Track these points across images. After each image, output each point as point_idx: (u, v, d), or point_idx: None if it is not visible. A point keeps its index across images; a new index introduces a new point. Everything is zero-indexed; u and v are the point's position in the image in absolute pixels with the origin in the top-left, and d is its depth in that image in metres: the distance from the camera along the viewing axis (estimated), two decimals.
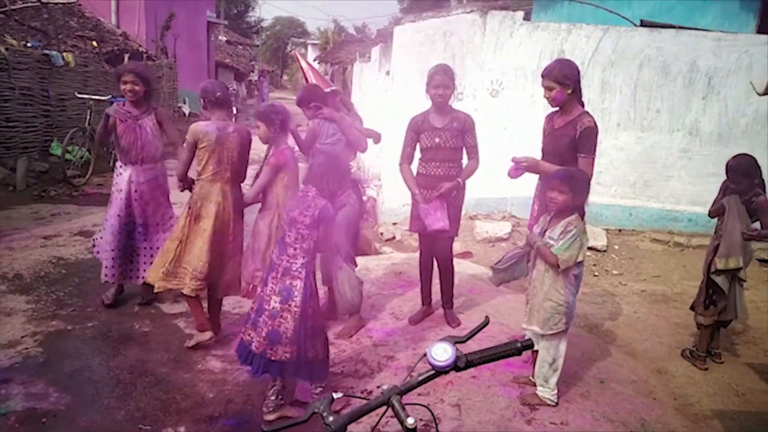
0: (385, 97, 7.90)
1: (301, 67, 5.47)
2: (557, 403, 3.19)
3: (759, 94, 4.24)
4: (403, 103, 6.28)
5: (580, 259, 2.99)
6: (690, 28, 6.87)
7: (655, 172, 6.86)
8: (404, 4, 39.75)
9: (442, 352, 1.25)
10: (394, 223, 6.83)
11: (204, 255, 3.58)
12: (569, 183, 2.97)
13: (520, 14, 6.70)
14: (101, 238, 4.33)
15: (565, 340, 3.16)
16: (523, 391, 3.35)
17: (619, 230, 6.86)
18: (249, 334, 2.96)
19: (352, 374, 3.57)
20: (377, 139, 4.34)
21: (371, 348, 3.89)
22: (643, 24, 6.98)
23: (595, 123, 3.41)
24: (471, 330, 1.36)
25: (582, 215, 3.11)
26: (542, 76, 3.47)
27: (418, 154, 4.05)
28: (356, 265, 4.19)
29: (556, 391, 3.20)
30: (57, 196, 7.82)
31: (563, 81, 3.42)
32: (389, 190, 6.92)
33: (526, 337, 1.40)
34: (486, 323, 1.39)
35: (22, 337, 3.80)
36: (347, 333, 4.07)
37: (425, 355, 1.27)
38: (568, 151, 3.41)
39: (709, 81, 6.57)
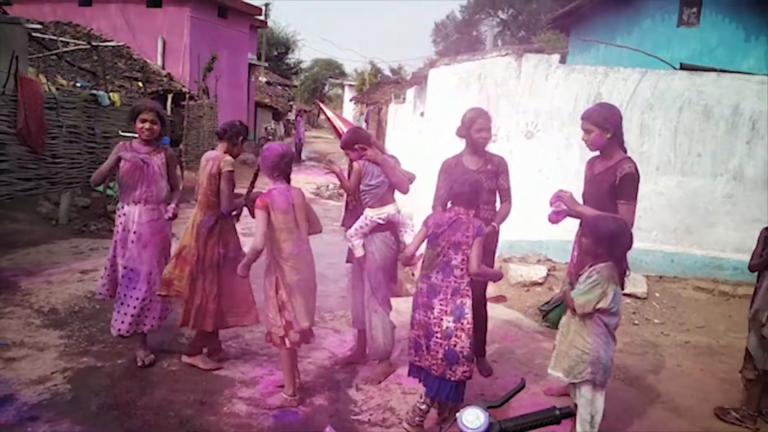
0: (420, 139, 7.92)
1: (326, 116, 5.52)
2: None
3: None
4: (437, 145, 6.27)
5: (601, 305, 2.86)
6: (732, 71, 6.73)
7: (697, 218, 6.64)
8: (439, 47, 40.46)
9: (473, 419, 1.17)
10: None
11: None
12: (593, 230, 2.95)
13: (556, 57, 6.67)
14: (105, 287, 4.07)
15: (602, 396, 3.00)
16: None
17: (660, 277, 6.61)
18: (426, 360, 3.21)
19: (379, 423, 3.46)
20: (411, 180, 4.31)
21: (400, 396, 3.77)
22: (683, 67, 6.87)
23: (636, 169, 3.32)
24: (506, 394, 1.28)
25: (620, 266, 2.96)
26: (582, 119, 3.43)
27: None
28: (391, 309, 4.12)
29: None
30: (97, 231, 8.01)
31: (603, 124, 3.37)
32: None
33: (565, 406, 1.30)
34: (522, 386, 1.31)
35: (53, 373, 3.82)
36: (376, 379, 3.97)
37: (455, 420, 1.19)
38: (609, 198, 3.33)
39: (753, 125, 6.38)
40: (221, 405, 3.56)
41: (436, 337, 3.16)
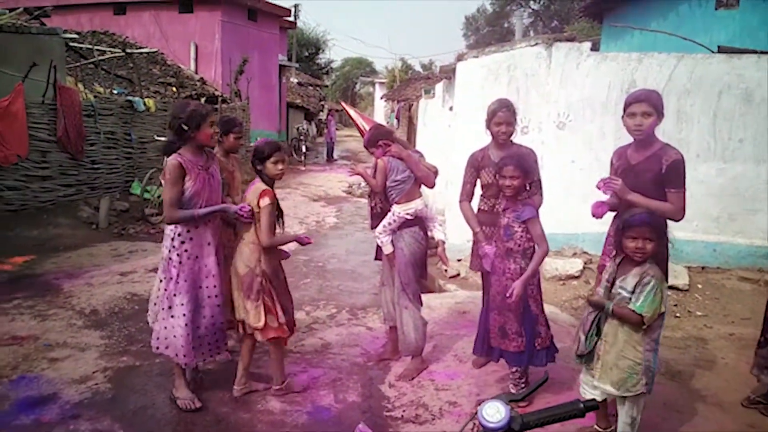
0: (449, 133, 7.86)
1: (350, 116, 5.49)
2: None
3: None
4: (466, 139, 6.21)
5: (662, 310, 2.69)
6: None
7: (740, 206, 6.40)
8: (470, 41, 40.11)
9: (494, 412, 1.14)
10: (459, 260, 6.68)
11: None
12: (657, 229, 2.71)
13: (587, 45, 6.52)
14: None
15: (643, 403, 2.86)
16: None
17: (702, 268, 6.40)
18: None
19: (412, 419, 3.44)
20: (436, 173, 4.27)
21: (433, 392, 3.75)
22: (721, 50, 6.62)
23: (681, 155, 3.18)
24: (529, 387, 1.24)
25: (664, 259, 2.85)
26: (640, 101, 3.16)
27: (479, 191, 3.95)
28: (422, 305, 4.10)
29: None
30: (135, 234, 8.21)
31: (660, 109, 3.18)
32: (453, 226, 6.81)
33: (588, 398, 1.25)
34: (545, 380, 1.27)
35: (94, 372, 3.93)
36: (408, 375, 3.95)
37: (476, 414, 1.16)
38: (653, 188, 3.14)
39: None
40: (256, 402, 3.59)
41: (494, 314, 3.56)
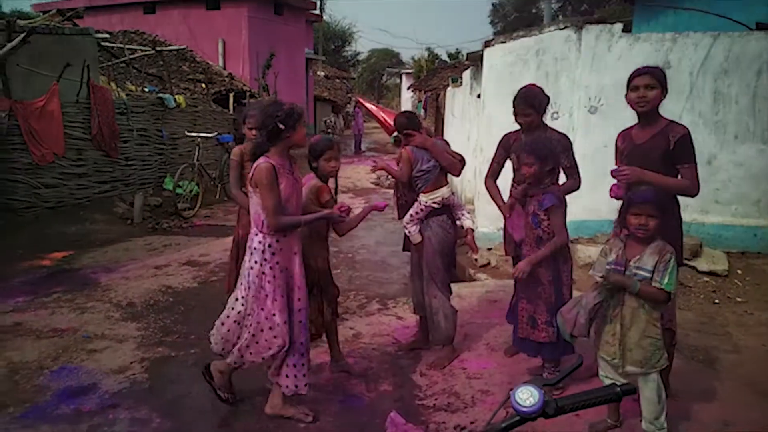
0: (477, 121, 7.77)
1: (368, 110, 5.37)
2: None
3: None
4: (494, 126, 6.13)
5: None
6: None
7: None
8: (498, 28, 39.56)
9: (527, 396, 1.12)
10: (489, 249, 6.62)
11: None
12: (662, 206, 2.71)
13: (619, 26, 6.35)
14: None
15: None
16: None
17: (743, 253, 6.20)
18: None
19: (444, 408, 3.42)
20: (462, 162, 4.22)
21: (465, 381, 3.72)
22: (759, 27, 6.38)
23: (688, 130, 3.13)
24: (562, 371, 1.21)
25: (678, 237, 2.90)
26: (643, 73, 3.15)
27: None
28: (451, 293, 4.07)
29: (665, 429, 2.88)
30: (169, 228, 8.36)
31: (664, 84, 3.14)
32: (483, 214, 6.75)
33: (610, 383, 1.22)
34: (579, 364, 1.24)
35: (131, 362, 4.02)
36: (440, 364, 3.94)
37: (508, 398, 1.14)
38: (663, 166, 3.11)
39: None
40: None
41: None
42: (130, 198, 8.85)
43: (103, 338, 4.44)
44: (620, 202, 3.18)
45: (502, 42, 6.67)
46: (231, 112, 13.02)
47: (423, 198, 3.87)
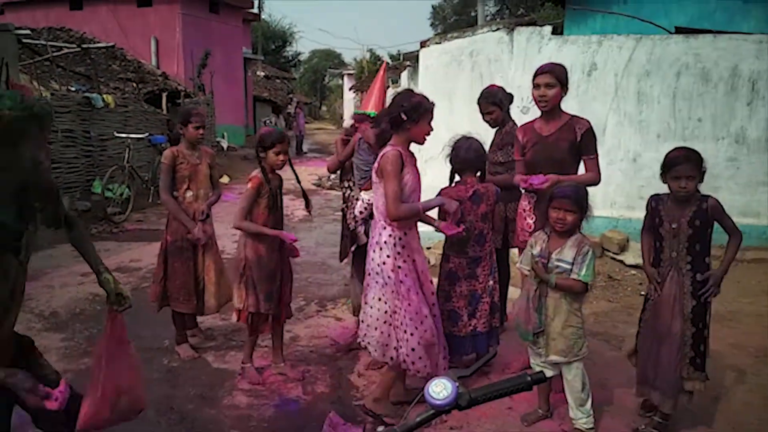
0: None
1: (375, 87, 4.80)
2: (595, 430, 3.01)
3: None
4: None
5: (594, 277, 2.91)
6: (728, 32, 6.57)
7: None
8: (438, 30, 40.10)
9: (441, 389, 1.11)
10: (428, 248, 6.67)
11: None
12: (580, 202, 2.83)
13: (548, 29, 6.55)
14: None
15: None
16: (563, 425, 3.13)
17: None
18: (468, 325, 3.42)
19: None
20: None
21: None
22: (678, 31, 6.72)
23: (590, 123, 3.33)
24: (476, 363, 1.22)
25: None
26: (543, 72, 3.28)
27: None
28: None
29: (592, 416, 3.00)
30: (98, 234, 8.00)
31: (564, 81, 3.29)
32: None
33: (537, 371, 1.24)
34: (493, 355, 1.25)
35: None
36: (379, 364, 3.91)
37: (422, 393, 1.13)
38: (569, 157, 3.30)
39: (753, 86, 6.23)
40: (221, 398, 3.53)
41: (483, 298, 3.43)
42: None
43: None
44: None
45: (437, 43, 6.75)
46: (164, 112, 12.61)
47: (365, 195, 3.86)
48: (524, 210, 3.53)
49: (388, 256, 3.02)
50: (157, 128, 11.66)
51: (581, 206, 2.84)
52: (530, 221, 3.44)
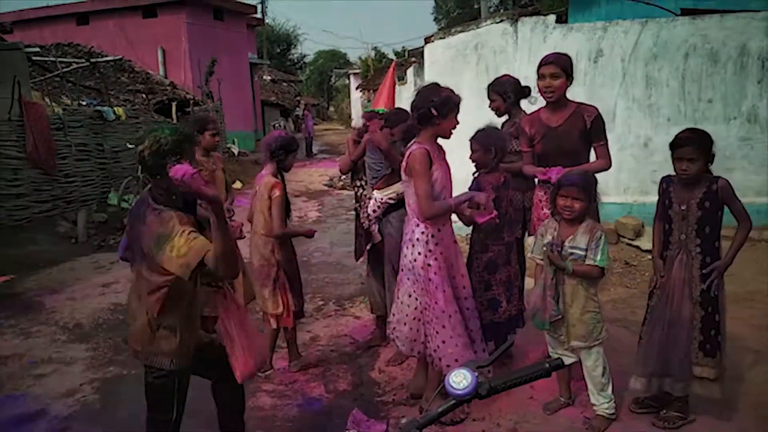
0: None
1: (385, 85, 4.78)
2: (617, 416, 3.04)
3: None
4: None
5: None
6: (736, 11, 6.51)
7: (714, 165, 6.37)
8: (441, 24, 39.97)
9: (461, 380, 1.14)
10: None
11: None
12: (587, 190, 2.86)
13: (552, 18, 6.53)
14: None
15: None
16: (585, 413, 3.14)
17: None
18: (506, 311, 3.47)
19: (403, 402, 3.46)
20: None
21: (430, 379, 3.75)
22: (684, 12, 6.67)
23: (598, 109, 3.34)
24: (495, 352, 1.24)
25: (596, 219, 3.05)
26: (548, 63, 3.26)
27: None
28: None
29: (613, 401, 3.01)
30: (116, 244, 8.10)
31: (569, 71, 3.27)
32: None
33: (555, 357, 1.26)
34: (511, 344, 1.27)
35: (81, 384, 3.89)
36: (398, 359, 3.96)
37: (443, 384, 1.16)
38: (580, 145, 3.30)
39: (763, 64, 6.17)
40: (246, 399, 3.57)
41: (515, 282, 3.54)
42: (73, 216, 8.54)
43: (50, 362, 4.28)
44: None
45: (441, 38, 6.76)
46: (174, 121, 12.74)
47: (377, 194, 3.88)
48: (540, 200, 3.51)
49: (419, 253, 3.04)
50: None
51: (589, 193, 2.86)
52: (546, 211, 3.39)
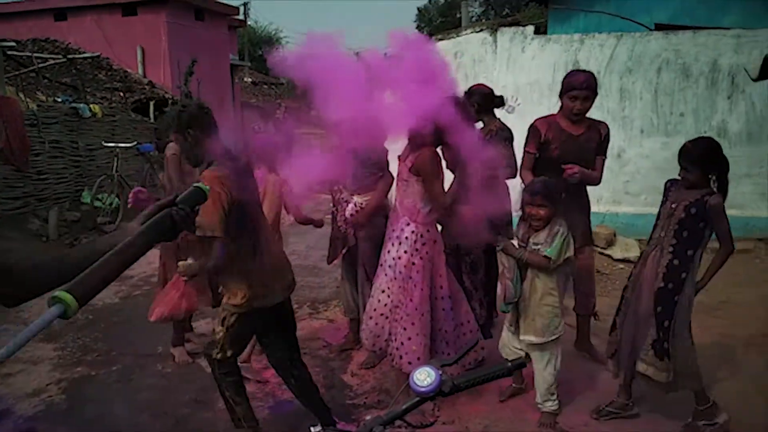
0: None
1: None
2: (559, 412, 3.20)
3: (753, 80, 4.20)
4: None
5: (567, 255, 2.98)
6: (708, 28, 6.69)
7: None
8: (424, 32, 40.22)
9: (425, 377, 1.16)
10: None
11: None
12: (551, 197, 2.96)
13: (531, 29, 6.64)
14: None
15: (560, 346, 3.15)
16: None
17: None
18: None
19: (375, 405, 3.47)
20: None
21: (395, 378, 3.76)
22: (658, 27, 6.83)
23: None
24: (459, 351, 1.27)
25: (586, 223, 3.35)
26: (582, 88, 3.38)
27: None
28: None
29: (557, 397, 3.16)
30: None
31: (596, 91, 3.49)
32: None
33: (516, 357, 1.29)
34: (475, 343, 1.30)
35: (47, 384, 3.82)
36: (371, 363, 3.97)
37: (408, 382, 1.18)
38: (595, 155, 3.53)
39: (733, 80, 6.35)
40: (216, 401, 3.53)
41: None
42: (44, 214, 8.38)
43: (17, 361, 4.19)
44: None
45: None
46: (152, 120, 12.60)
47: (357, 199, 3.89)
48: None
49: (405, 252, 3.13)
50: (145, 137, 11.63)
51: (553, 200, 2.96)
52: None
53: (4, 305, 1.38)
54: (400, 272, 3.12)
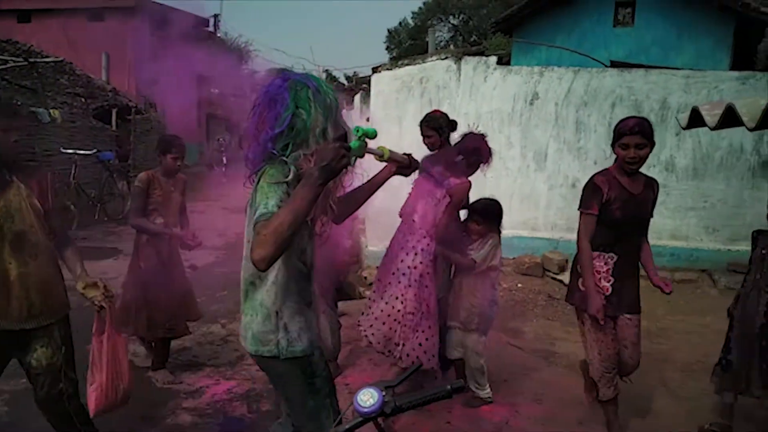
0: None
1: None
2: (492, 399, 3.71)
3: (683, 128, 4.25)
4: None
5: (493, 263, 3.54)
6: (660, 67, 7.05)
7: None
8: (393, 53, 40.74)
9: (368, 398, 1.23)
10: (378, 267, 6.79)
11: None
12: (486, 216, 3.56)
13: (494, 59, 6.86)
14: None
15: (484, 340, 3.68)
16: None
17: None
18: None
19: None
20: None
21: (347, 396, 3.79)
22: (614, 65, 7.17)
23: None
24: (403, 374, 1.34)
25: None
26: (630, 133, 2.97)
27: None
28: (338, 309, 4.18)
29: (489, 389, 3.71)
30: None
31: (652, 138, 3.02)
32: (372, 233, 6.93)
33: (456, 380, 1.37)
34: (418, 367, 1.37)
35: None
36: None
37: (352, 402, 1.24)
38: (648, 218, 3.20)
39: None
40: (165, 417, 3.53)
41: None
42: None
43: None
44: None
45: (388, 69, 6.96)
46: (114, 128, 12.40)
47: None
48: (599, 272, 3.17)
49: (420, 263, 3.48)
50: (106, 144, 11.45)
51: (487, 218, 3.55)
52: (605, 283, 3.16)
53: None
54: (415, 280, 3.44)
